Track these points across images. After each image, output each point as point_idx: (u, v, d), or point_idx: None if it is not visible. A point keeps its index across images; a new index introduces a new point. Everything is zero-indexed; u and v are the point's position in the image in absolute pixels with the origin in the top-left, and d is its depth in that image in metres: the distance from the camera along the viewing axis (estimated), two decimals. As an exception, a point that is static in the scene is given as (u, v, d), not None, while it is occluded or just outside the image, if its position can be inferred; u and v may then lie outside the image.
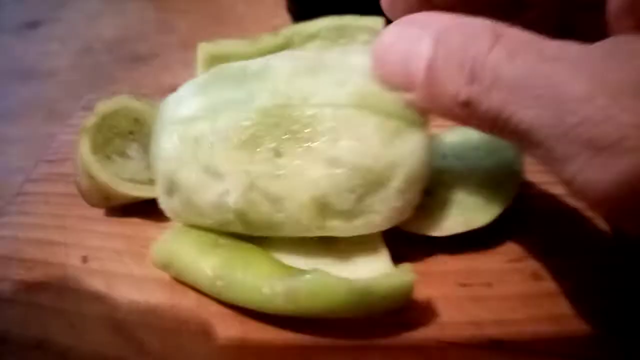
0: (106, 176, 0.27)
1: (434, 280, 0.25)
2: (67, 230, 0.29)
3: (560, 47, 0.17)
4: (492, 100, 0.17)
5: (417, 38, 0.19)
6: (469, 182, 0.27)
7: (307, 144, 0.22)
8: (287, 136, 0.22)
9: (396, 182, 0.22)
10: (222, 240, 0.25)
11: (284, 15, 0.52)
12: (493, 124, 0.18)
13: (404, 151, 0.22)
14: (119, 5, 0.58)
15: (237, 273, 0.23)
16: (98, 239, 0.29)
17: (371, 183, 0.22)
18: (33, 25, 0.55)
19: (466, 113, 0.18)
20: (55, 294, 0.26)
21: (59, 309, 0.26)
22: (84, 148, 0.27)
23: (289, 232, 0.23)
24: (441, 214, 0.25)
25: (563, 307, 0.24)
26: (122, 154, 0.29)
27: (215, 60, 0.33)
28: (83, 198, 0.28)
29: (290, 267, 0.24)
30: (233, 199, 0.23)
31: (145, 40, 0.52)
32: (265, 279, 0.23)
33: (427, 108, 0.20)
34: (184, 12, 0.57)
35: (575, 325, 0.23)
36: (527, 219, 0.28)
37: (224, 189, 0.23)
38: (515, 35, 0.17)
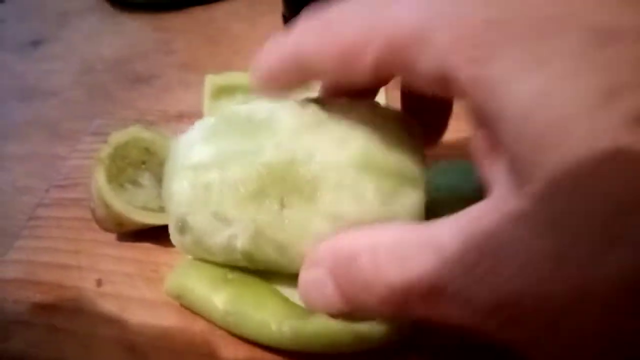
0: (121, 205, 0.28)
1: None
2: (81, 254, 0.31)
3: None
4: (411, 311, 0.19)
5: (322, 281, 0.21)
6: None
7: (310, 200, 0.23)
8: (292, 191, 0.23)
9: None
10: (231, 275, 0.27)
11: (280, 38, 0.54)
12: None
13: (401, 208, 0.23)
14: (118, 25, 0.59)
15: (246, 309, 0.25)
16: (111, 263, 0.30)
17: None
18: (34, 44, 0.56)
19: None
20: (70, 316, 0.28)
21: (73, 331, 0.27)
22: (100, 178, 0.28)
23: (294, 271, 0.24)
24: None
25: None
26: (135, 183, 0.30)
27: (222, 90, 0.34)
28: (97, 224, 0.30)
29: (297, 306, 0.25)
30: (240, 243, 0.24)
31: (145, 61, 0.53)
32: (273, 317, 0.24)
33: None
34: (182, 31, 0.58)
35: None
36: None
37: (232, 233, 0.24)
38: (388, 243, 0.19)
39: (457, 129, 0.37)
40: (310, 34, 0.22)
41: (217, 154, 0.25)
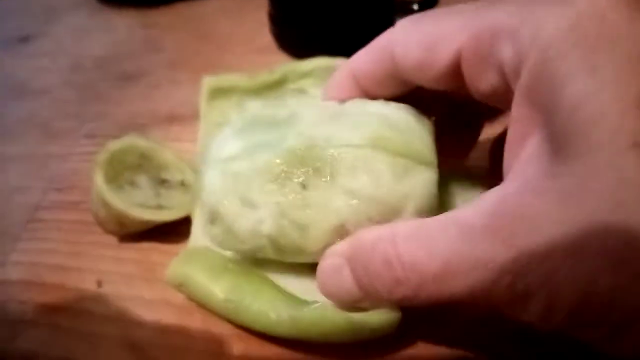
0: (120, 203, 0.30)
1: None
2: (81, 256, 0.32)
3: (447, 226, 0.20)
4: (427, 292, 0.21)
5: (338, 267, 0.24)
6: None
7: (329, 179, 0.25)
8: (312, 172, 0.25)
9: (408, 212, 0.25)
10: (231, 265, 0.28)
11: (268, 36, 0.55)
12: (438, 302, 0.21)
13: (415, 185, 0.25)
14: (106, 22, 0.60)
15: (246, 297, 0.26)
16: (110, 264, 0.31)
17: (386, 212, 0.25)
18: (23, 40, 0.56)
19: (408, 302, 0.22)
20: (74, 316, 0.29)
21: (78, 330, 0.28)
22: (99, 179, 0.30)
23: (314, 256, 0.26)
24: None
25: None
26: (132, 184, 0.32)
27: (218, 92, 0.36)
28: (99, 226, 0.31)
29: (294, 297, 0.27)
30: (266, 227, 0.26)
31: (134, 59, 0.54)
32: (271, 306, 0.26)
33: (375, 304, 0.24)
34: (170, 28, 0.59)
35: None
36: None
37: (258, 217, 0.26)
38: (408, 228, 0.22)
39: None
40: (403, 28, 0.26)
41: (245, 146, 0.27)
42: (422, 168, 0.26)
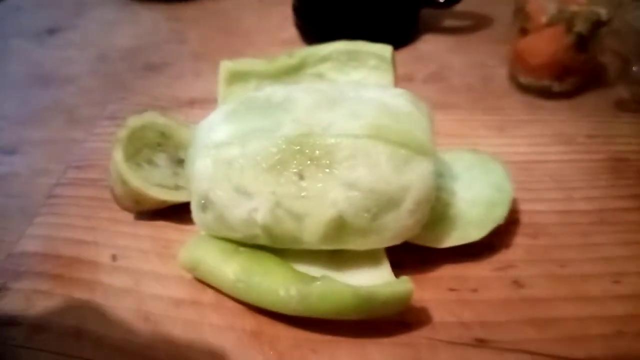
0: (137, 182, 0.30)
1: (427, 285, 0.28)
2: (97, 230, 0.32)
3: None
4: None
5: None
6: (463, 199, 0.30)
7: (327, 169, 0.24)
8: (309, 162, 0.25)
9: (407, 203, 0.25)
10: (242, 248, 0.28)
11: (291, 29, 0.55)
12: None
13: (414, 176, 0.25)
14: (133, 15, 0.61)
15: (255, 277, 0.26)
16: (125, 239, 0.32)
17: (385, 204, 0.25)
18: (51, 32, 0.58)
19: None
20: (88, 288, 0.29)
21: (92, 302, 0.29)
22: (118, 156, 0.30)
23: (309, 245, 0.26)
24: (438, 228, 0.28)
25: (540, 311, 0.27)
26: (151, 162, 0.32)
27: (235, 76, 0.35)
28: (116, 202, 0.31)
29: (302, 273, 0.26)
30: (261, 216, 0.25)
31: (159, 50, 0.55)
32: (280, 284, 0.25)
33: None
34: (195, 22, 0.59)
35: (550, 327, 0.26)
36: (511, 231, 0.31)
37: (252, 207, 0.25)
38: None
39: (456, 118, 0.38)
40: None
41: (237, 132, 0.27)
42: (421, 159, 0.25)
